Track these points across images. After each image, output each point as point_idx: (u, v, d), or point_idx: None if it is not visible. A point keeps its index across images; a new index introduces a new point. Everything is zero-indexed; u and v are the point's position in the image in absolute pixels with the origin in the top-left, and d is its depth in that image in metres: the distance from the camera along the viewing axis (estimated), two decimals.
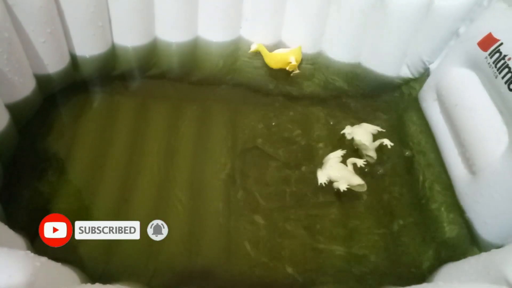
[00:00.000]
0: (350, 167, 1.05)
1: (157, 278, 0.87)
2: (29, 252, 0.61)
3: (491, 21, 0.99)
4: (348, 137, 1.14)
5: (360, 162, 1.06)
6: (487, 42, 0.96)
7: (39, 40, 1.03)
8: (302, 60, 1.35)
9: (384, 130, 1.14)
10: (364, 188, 1.01)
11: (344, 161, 1.08)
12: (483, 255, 0.77)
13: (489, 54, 0.95)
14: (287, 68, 1.29)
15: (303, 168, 1.10)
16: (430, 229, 1.00)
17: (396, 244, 0.98)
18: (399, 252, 0.97)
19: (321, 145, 1.17)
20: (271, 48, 1.34)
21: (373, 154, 1.10)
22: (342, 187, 1.00)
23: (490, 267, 0.69)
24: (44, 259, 0.62)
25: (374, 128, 1.14)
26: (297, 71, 1.30)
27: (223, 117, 1.20)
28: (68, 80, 1.19)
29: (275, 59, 1.30)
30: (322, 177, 1.04)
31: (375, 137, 1.12)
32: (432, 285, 0.70)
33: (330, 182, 1.04)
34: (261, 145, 1.13)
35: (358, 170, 1.06)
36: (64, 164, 1.02)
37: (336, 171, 1.03)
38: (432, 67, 1.25)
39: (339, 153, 1.09)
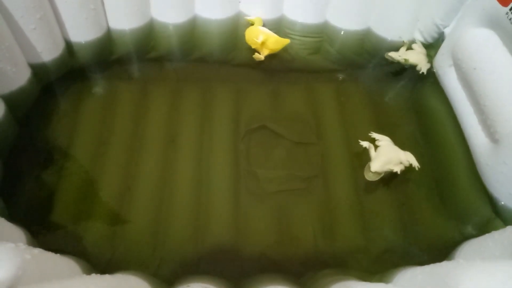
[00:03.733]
0: (390, 164, 0.94)
1: (164, 267, 0.85)
2: (21, 244, 0.58)
3: None
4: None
5: (398, 170, 0.95)
6: None
7: (29, 27, 0.99)
8: (305, 37, 1.28)
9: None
10: (372, 179, 0.95)
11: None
12: (509, 229, 0.71)
13: (510, 9, 0.86)
14: (253, 46, 1.22)
15: (312, 147, 1.05)
16: (449, 204, 0.95)
17: (414, 222, 0.93)
18: (417, 229, 0.92)
19: (330, 122, 1.11)
20: (272, 24, 1.27)
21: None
22: (363, 144, 0.99)
23: None
24: (37, 251, 0.60)
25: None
26: (261, 57, 1.20)
27: (227, 97, 1.15)
28: (65, 67, 1.16)
29: (249, 33, 1.22)
30: (371, 146, 0.99)
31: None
32: (452, 263, 0.65)
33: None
34: (267, 125, 1.08)
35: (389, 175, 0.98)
36: (65, 153, 1.00)
37: (385, 151, 0.96)
38: (446, 31, 1.16)
39: (413, 160, 0.97)
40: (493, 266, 0.55)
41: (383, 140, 1.00)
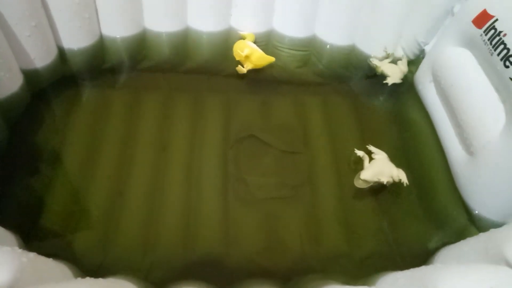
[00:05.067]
0: (380, 176, 0.97)
1: (155, 272, 0.86)
2: (16, 248, 0.59)
3: None
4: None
5: (385, 181, 0.97)
6: (482, 19, 0.93)
7: (23, 34, 1.00)
8: (293, 51, 1.33)
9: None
10: (361, 186, 0.98)
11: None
12: (482, 235, 0.76)
13: (484, 31, 0.92)
14: (237, 58, 1.25)
15: (300, 156, 1.08)
16: (428, 212, 0.99)
17: (395, 229, 0.97)
18: (399, 236, 0.96)
19: (317, 132, 1.15)
20: (262, 37, 1.31)
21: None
22: (358, 153, 1.05)
23: (489, 247, 0.68)
24: (32, 255, 0.61)
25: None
26: (244, 70, 1.23)
27: (217, 107, 1.18)
28: (57, 74, 1.17)
29: (236, 45, 1.25)
30: (365, 156, 1.04)
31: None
32: (431, 267, 0.69)
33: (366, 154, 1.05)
34: (256, 134, 1.11)
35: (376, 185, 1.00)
36: (56, 159, 1.01)
37: (379, 164, 1.00)
38: (427, 48, 1.22)
39: (403, 177, 1.00)
40: (467, 269, 0.59)
41: (379, 154, 1.04)
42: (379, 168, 0.98)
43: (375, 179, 0.97)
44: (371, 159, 1.03)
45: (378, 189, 1.02)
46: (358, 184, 0.98)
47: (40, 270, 0.60)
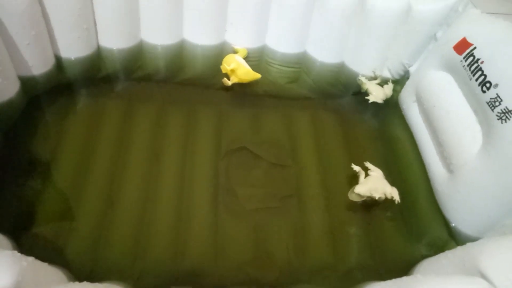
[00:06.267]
0: (374, 192, 1.00)
1: (144, 279, 0.87)
2: (15, 252, 0.61)
3: (465, 27, 1.02)
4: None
5: (377, 196, 1.00)
6: (462, 46, 1.00)
7: (23, 43, 1.02)
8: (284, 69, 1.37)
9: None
10: (354, 200, 1.01)
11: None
12: (459, 248, 0.79)
13: (463, 58, 0.99)
14: (223, 71, 1.28)
15: (288, 169, 1.11)
16: (411, 226, 1.03)
17: (379, 242, 1.00)
18: (382, 248, 0.99)
19: (306, 146, 1.18)
20: (255, 52, 1.36)
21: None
22: (355, 168, 1.07)
23: (465, 259, 0.72)
24: (31, 259, 0.62)
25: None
26: (229, 83, 1.26)
27: (209, 119, 1.21)
28: (53, 82, 1.18)
29: (226, 59, 1.28)
30: (362, 171, 1.06)
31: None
32: (412, 278, 0.73)
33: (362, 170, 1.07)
34: (247, 146, 1.14)
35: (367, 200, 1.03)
36: (49, 166, 1.01)
37: (374, 180, 1.03)
38: (411, 70, 1.28)
39: (396, 195, 1.03)
40: (445, 280, 0.63)
41: (376, 171, 1.07)
42: (374, 184, 1.01)
43: (368, 194, 1.00)
44: (366, 175, 1.06)
45: (365, 203, 1.05)
46: (352, 197, 1.01)
47: (39, 274, 0.62)
